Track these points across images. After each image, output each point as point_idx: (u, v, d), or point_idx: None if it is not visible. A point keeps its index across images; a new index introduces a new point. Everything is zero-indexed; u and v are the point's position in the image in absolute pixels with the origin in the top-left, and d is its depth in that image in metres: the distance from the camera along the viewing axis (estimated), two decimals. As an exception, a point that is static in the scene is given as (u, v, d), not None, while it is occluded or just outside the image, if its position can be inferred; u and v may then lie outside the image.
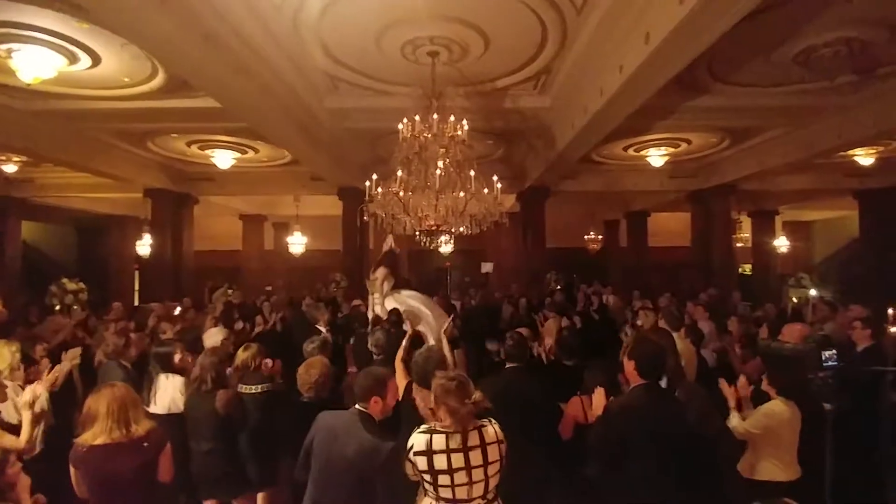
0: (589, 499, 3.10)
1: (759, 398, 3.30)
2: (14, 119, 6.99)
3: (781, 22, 4.85)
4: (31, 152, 7.92)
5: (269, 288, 11.72)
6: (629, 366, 2.79)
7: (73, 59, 5.37)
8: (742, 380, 3.40)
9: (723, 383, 3.32)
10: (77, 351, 4.16)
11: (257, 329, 6.13)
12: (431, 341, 4.67)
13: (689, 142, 9.06)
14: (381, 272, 5.99)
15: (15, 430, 2.96)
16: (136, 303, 11.65)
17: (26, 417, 2.88)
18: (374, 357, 3.80)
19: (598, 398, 2.97)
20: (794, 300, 8.91)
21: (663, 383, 2.98)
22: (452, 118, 5.31)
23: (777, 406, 3.13)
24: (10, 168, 9.52)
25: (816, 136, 8.02)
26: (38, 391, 2.99)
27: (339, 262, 11.12)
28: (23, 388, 3.18)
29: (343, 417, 2.55)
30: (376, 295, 5.97)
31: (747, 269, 15.11)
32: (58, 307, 7.33)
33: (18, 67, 5.06)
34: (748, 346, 4.53)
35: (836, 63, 5.56)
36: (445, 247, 12.87)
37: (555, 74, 6.31)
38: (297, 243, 14.03)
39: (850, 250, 14.22)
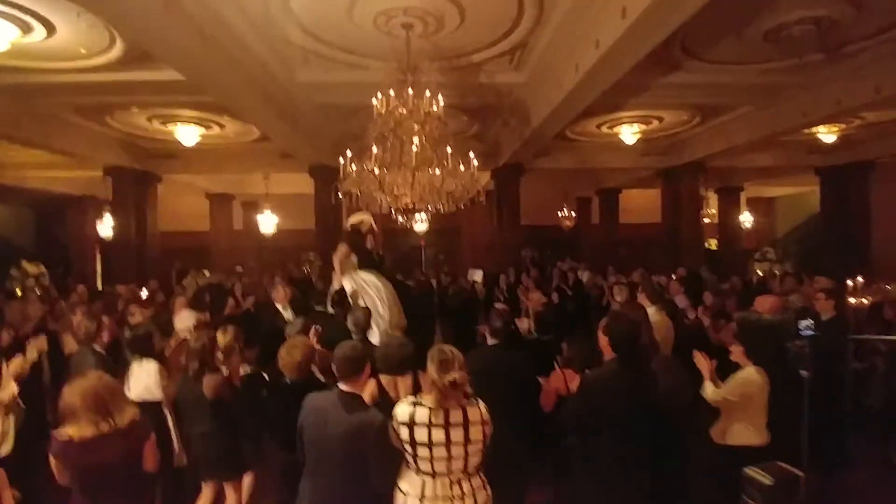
0: (568, 470, 3.19)
1: (727, 368, 3.41)
2: (-40, 93, 6.57)
3: (754, -2, 4.90)
4: (-22, 129, 7.47)
5: (239, 269, 11.47)
6: (603, 340, 2.87)
7: (26, 29, 5.04)
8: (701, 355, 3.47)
9: (697, 356, 3.41)
10: (43, 340, 4.00)
11: (227, 312, 6.00)
12: (375, 333, 4.53)
13: (660, 119, 9.17)
14: (341, 250, 5.56)
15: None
16: (99, 285, 11.26)
17: None
18: (353, 336, 3.75)
19: (571, 375, 3.05)
20: (760, 273, 9.22)
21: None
22: (428, 93, 5.21)
23: (751, 373, 3.25)
24: (-42, 146, 8.99)
25: (782, 113, 8.23)
26: (13, 390, 2.88)
27: (311, 242, 10.93)
28: None
29: (330, 398, 2.53)
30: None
31: (713, 243, 15.55)
32: (19, 292, 7.01)
33: (-34, 38, 4.73)
34: (719, 317, 4.67)
35: (805, 41, 5.66)
36: (420, 225, 12.81)
37: (531, 49, 6.24)
38: (267, 223, 13.71)
39: (810, 225, 14.77)
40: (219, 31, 5.22)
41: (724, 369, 3.40)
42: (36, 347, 3.76)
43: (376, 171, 5.17)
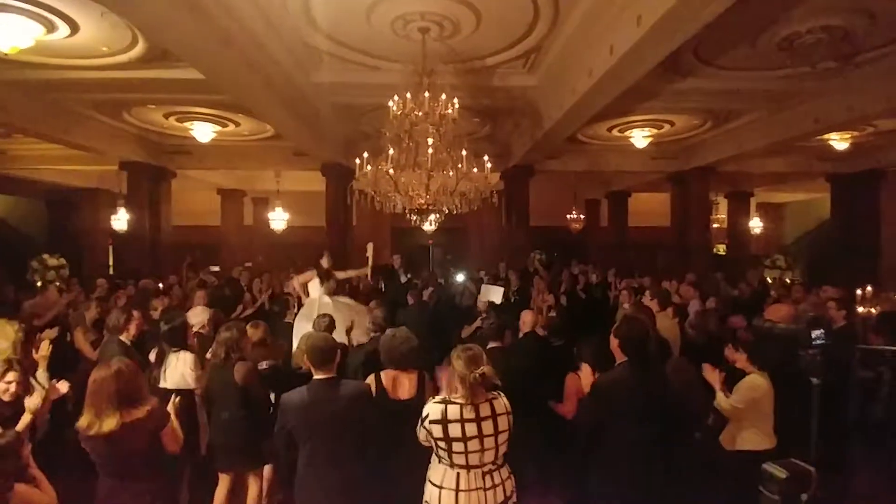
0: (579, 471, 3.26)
1: (733, 376, 3.45)
2: (-16, 88, 6.70)
3: (768, 7, 4.94)
4: (3, 123, 7.59)
5: (248, 264, 11.59)
6: (614, 343, 2.96)
7: (50, 27, 5.15)
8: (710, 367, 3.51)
9: (706, 368, 3.44)
10: (53, 332, 4.16)
11: (245, 309, 6.10)
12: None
13: (672, 123, 9.20)
14: (307, 275, 5.76)
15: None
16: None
17: (28, 408, 2.89)
18: (372, 335, 3.84)
19: (586, 374, 3.11)
20: (769, 280, 9.23)
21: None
22: (444, 96, 5.28)
23: (757, 380, 3.31)
24: (-22, 139, 9.16)
25: (794, 120, 8.24)
26: (63, 389, 2.99)
27: (321, 239, 11.03)
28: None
29: (312, 389, 2.66)
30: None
31: (721, 249, 15.53)
32: (39, 283, 7.15)
33: (-6, 36, 4.82)
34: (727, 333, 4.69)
35: (818, 49, 5.68)
36: (429, 225, 12.88)
37: (544, 53, 6.30)
38: (278, 219, 13.84)
39: (819, 232, 14.73)
40: (238, 32, 5.31)
41: (733, 377, 3.44)
42: (46, 337, 3.90)
43: (391, 171, 5.24)
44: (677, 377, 3.20)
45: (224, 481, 3.52)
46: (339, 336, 3.82)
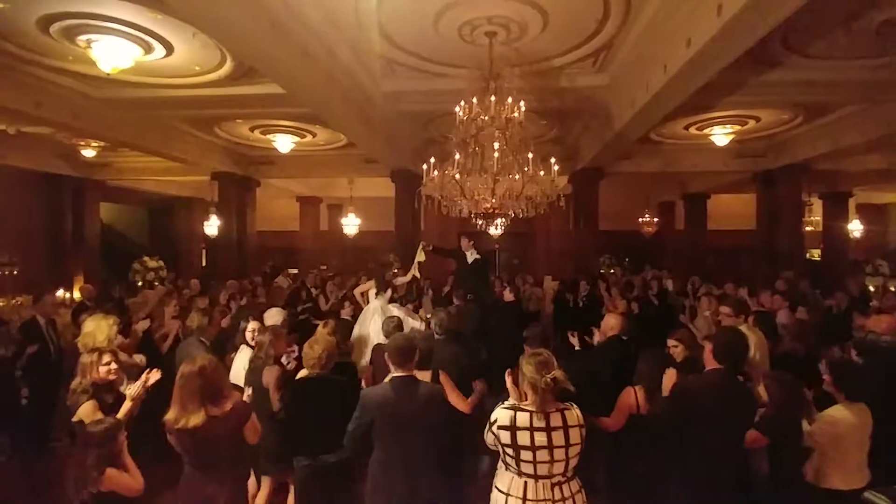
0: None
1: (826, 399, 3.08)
2: (94, 107, 7.48)
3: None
4: (108, 138, 8.47)
5: (323, 267, 12.12)
6: (707, 348, 2.84)
7: (148, 49, 5.67)
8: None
9: None
10: (145, 324, 4.59)
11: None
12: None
13: (757, 119, 8.59)
14: (366, 285, 6.13)
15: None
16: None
17: (128, 402, 3.11)
18: (436, 336, 3.89)
19: (669, 378, 2.99)
20: (872, 289, 8.37)
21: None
22: (510, 100, 5.26)
23: (839, 412, 2.88)
24: (90, 153, 10.28)
25: (897, 112, 7.44)
26: (156, 376, 3.20)
27: (390, 243, 11.34)
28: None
29: (392, 385, 2.72)
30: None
31: (815, 254, 14.27)
32: (140, 283, 7.90)
33: (98, 58, 5.35)
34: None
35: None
36: (495, 229, 12.85)
37: (615, 51, 6.11)
38: (350, 224, 14.39)
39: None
40: (315, 47, 5.61)
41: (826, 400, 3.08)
42: (140, 328, 4.30)
43: (458, 176, 5.29)
44: (775, 393, 2.95)
45: (266, 483, 3.55)
46: None
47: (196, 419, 2.52)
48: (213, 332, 4.38)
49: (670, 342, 3.64)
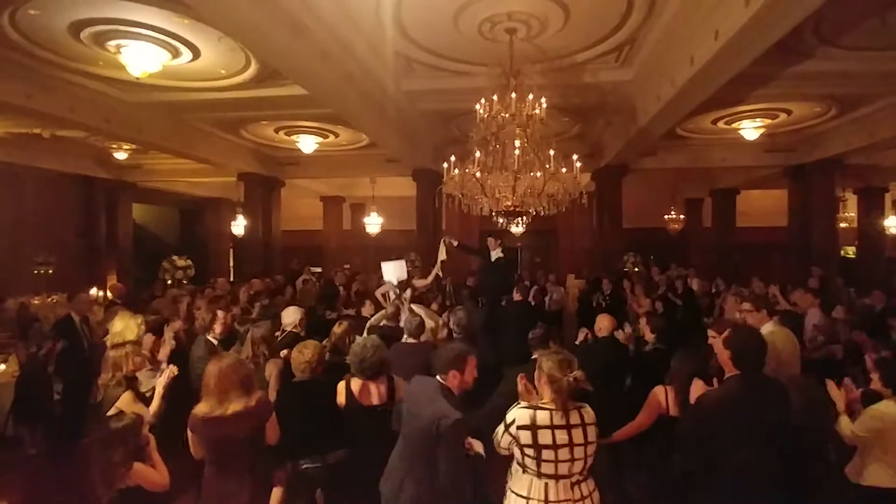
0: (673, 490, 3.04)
1: (871, 398, 3.01)
2: (124, 110, 7.71)
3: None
4: (139, 141, 8.70)
5: (346, 266, 12.23)
6: (724, 355, 2.71)
7: (175, 53, 5.80)
8: (848, 381, 3.11)
9: (830, 385, 3.06)
10: (177, 324, 4.69)
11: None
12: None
13: (788, 112, 8.32)
14: (385, 287, 6.20)
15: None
16: (231, 279, 12.60)
17: (158, 393, 3.20)
18: (455, 336, 3.89)
19: (696, 388, 2.90)
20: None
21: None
22: (531, 96, 5.21)
23: (888, 407, 2.84)
24: (122, 155, 10.60)
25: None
26: (175, 371, 3.28)
27: (412, 242, 11.38)
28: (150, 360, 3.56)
29: (430, 384, 2.66)
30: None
31: (850, 251, 13.78)
32: (169, 282, 8.11)
33: (128, 62, 5.51)
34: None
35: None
36: (517, 227, 12.76)
37: (639, 45, 6.00)
38: (373, 223, 14.50)
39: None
40: (337, 49, 5.66)
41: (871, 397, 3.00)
42: (171, 330, 4.40)
43: (478, 174, 5.27)
44: (796, 396, 2.84)
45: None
46: None
47: (236, 406, 2.63)
48: (224, 332, 4.40)
49: (710, 333, 3.55)
